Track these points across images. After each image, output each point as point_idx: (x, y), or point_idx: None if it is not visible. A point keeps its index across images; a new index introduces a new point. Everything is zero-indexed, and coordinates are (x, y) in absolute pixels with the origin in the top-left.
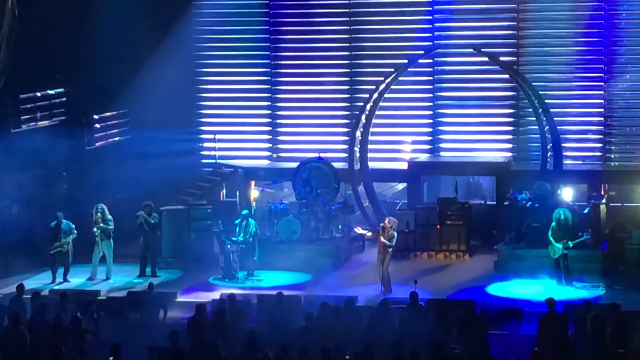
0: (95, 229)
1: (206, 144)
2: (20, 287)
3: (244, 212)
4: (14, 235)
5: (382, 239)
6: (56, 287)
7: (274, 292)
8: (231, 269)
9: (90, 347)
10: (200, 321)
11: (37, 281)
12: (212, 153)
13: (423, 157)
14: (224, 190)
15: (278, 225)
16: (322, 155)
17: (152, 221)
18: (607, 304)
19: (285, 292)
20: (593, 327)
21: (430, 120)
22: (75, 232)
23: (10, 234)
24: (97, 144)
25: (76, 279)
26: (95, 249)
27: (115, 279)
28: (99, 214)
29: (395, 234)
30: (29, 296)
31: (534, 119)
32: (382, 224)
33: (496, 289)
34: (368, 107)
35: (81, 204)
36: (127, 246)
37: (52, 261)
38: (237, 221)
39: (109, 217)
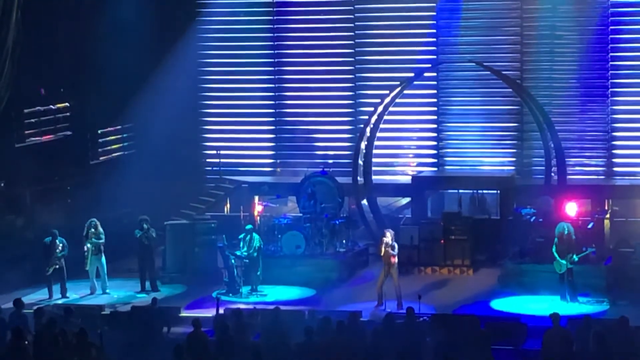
0: (88, 244)
1: (210, 159)
2: (18, 302)
3: (248, 226)
4: (16, 249)
5: (390, 251)
6: (60, 302)
7: (274, 307)
8: (235, 283)
9: None
10: (199, 336)
11: (35, 297)
12: (216, 168)
13: (427, 171)
14: (228, 205)
15: (282, 239)
16: (326, 169)
17: (152, 235)
18: (616, 319)
19: (289, 307)
20: (595, 344)
21: (435, 134)
22: (67, 249)
23: (13, 248)
24: (101, 158)
25: (75, 295)
26: (87, 263)
27: (118, 294)
28: (92, 230)
29: (396, 244)
30: (29, 311)
31: (538, 133)
32: (383, 238)
33: (500, 304)
34: (373, 120)
35: (85, 218)
36: (129, 261)
37: (48, 278)
38: (241, 236)
39: (101, 230)
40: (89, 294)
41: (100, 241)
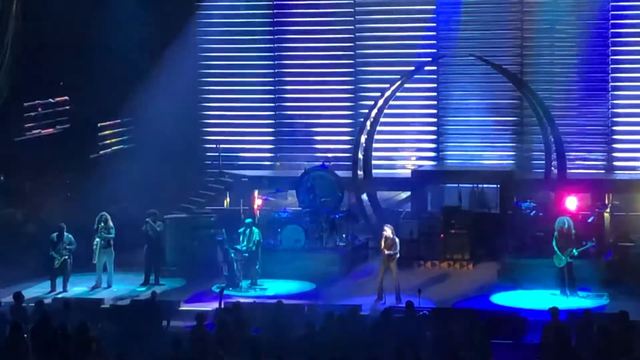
0: (97, 238)
1: (210, 153)
2: (18, 296)
3: (248, 220)
4: (16, 243)
5: (386, 251)
6: (59, 296)
7: (276, 301)
8: (235, 277)
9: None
10: (202, 330)
11: (36, 290)
12: (216, 162)
13: (427, 165)
14: (228, 199)
15: (282, 233)
16: (326, 162)
17: (157, 229)
18: (616, 313)
19: (289, 301)
20: (599, 337)
21: (435, 128)
22: (75, 244)
23: (12, 242)
24: (100, 152)
25: (78, 288)
26: (96, 257)
27: (118, 288)
28: (102, 224)
29: (397, 239)
30: (30, 304)
31: (538, 127)
32: (383, 232)
33: (500, 298)
34: (373, 113)
35: (84, 212)
36: (131, 254)
37: (52, 271)
38: (241, 230)
39: (111, 225)
40: (95, 287)
41: (110, 236)
